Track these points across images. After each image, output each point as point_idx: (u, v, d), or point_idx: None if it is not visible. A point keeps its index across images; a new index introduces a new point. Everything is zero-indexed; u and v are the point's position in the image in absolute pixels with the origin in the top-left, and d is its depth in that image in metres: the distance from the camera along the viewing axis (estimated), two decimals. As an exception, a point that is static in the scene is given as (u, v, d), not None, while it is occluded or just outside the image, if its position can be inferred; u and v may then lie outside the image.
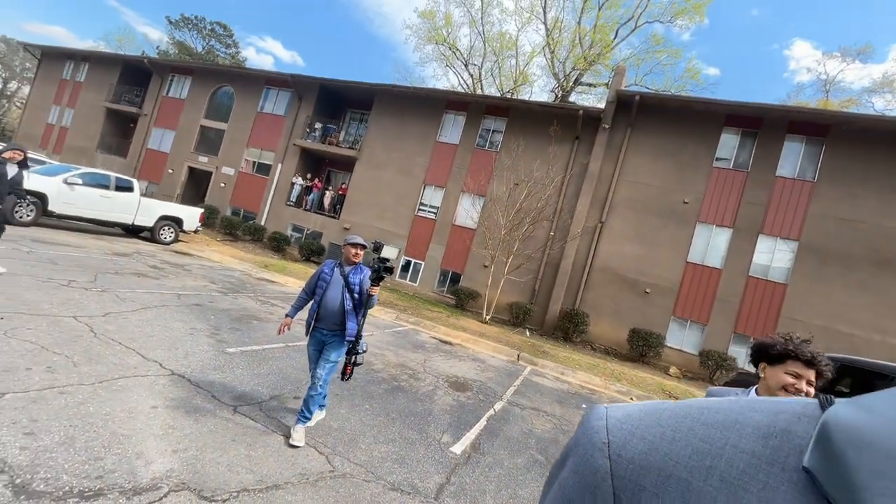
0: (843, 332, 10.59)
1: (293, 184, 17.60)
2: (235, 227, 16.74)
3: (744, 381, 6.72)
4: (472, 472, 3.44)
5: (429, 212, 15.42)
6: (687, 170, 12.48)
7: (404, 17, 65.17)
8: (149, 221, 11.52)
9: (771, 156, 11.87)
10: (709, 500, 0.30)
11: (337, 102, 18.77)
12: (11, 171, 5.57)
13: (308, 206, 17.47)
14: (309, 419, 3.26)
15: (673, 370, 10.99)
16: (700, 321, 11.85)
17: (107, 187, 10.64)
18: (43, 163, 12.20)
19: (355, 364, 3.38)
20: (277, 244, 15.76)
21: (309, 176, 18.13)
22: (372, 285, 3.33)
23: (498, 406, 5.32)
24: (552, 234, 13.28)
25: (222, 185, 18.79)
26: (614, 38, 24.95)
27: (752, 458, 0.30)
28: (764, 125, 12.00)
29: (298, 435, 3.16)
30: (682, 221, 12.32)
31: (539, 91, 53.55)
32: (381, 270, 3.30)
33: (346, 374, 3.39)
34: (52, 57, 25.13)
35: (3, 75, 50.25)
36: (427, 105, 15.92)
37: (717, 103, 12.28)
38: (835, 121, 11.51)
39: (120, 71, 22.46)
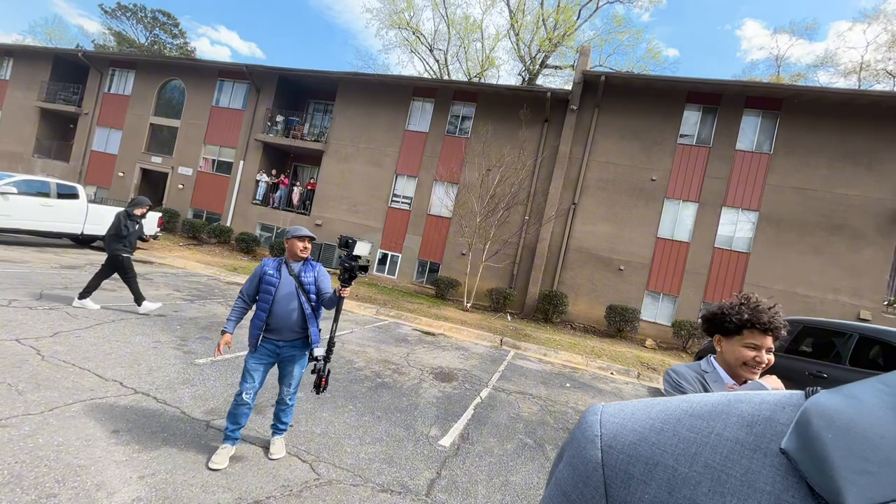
0: (801, 294, 11.24)
1: (258, 181, 16.84)
2: (199, 229, 15.90)
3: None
4: (462, 463, 3.37)
5: (402, 202, 15.15)
6: (653, 148, 12.75)
7: (364, 0, 63.04)
8: (101, 230, 10.72)
9: (730, 131, 12.28)
10: (693, 485, 0.31)
11: (298, 94, 17.99)
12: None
13: (276, 204, 16.80)
14: (285, 429, 3.05)
15: (649, 342, 11.37)
16: (672, 293, 12.27)
17: (47, 195, 9.79)
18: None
19: (328, 374, 2.92)
20: (246, 245, 15.11)
21: (274, 172, 17.39)
22: (342, 286, 2.86)
23: (484, 393, 5.28)
24: (527, 217, 13.33)
25: (180, 186, 17.75)
26: (577, 18, 25.06)
27: (735, 445, 0.31)
28: (723, 101, 12.37)
29: (277, 447, 2.97)
30: (650, 199, 12.62)
31: (506, 75, 53.49)
32: (355, 269, 2.90)
33: (320, 388, 2.89)
34: (-27, 54, 22.74)
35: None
36: (394, 93, 15.49)
37: (678, 80, 12.54)
38: (787, 94, 11.99)
39: (51, 66, 20.56)
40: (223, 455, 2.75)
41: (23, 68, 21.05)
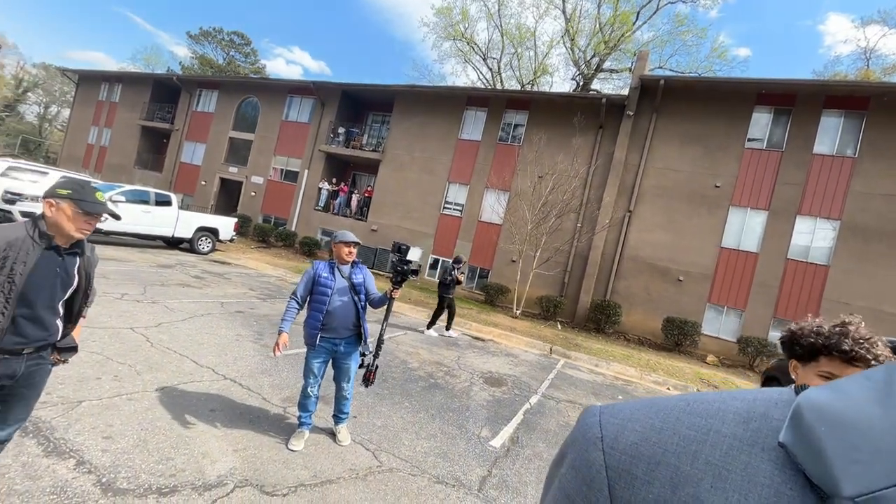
0: (889, 312, 9.99)
1: (320, 189, 18.06)
2: (268, 233, 17.36)
3: (784, 367, 6.48)
4: (512, 464, 3.51)
5: (454, 209, 15.50)
6: (717, 153, 12.00)
7: (421, 14, 65.68)
8: (188, 233, 12.13)
9: (807, 133, 11.25)
10: (695, 482, 0.31)
11: (359, 106, 19.09)
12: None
13: (336, 210, 17.90)
14: (346, 418, 3.36)
15: (710, 358, 10.67)
16: (737, 307, 11.42)
17: (147, 203, 11.27)
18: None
19: (376, 368, 3.21)
20: (308, 248, 16.25)
21: (335, 180, 18.56)
22: (394, 287, 3.06)
23: (533, 400, 5.36)
24: (579, 225, 13.09)
25: (253, 193, 19.50)
26: (635, 20, 24.16)
27: (734, 441, 0.33)
28: (798, 101, 11.37)
29: (343, 434, 3.31)
30: (713, 206, 11.88)
31: (560, 81, 52.58)
32: (407, 272, 3.11)
33: (368, 381, 3.17)
34: (88, 80, 26.67)
35: (44, 100, 53.69)
36: (447, 103, 15.96)
37: (747, 82, 11.74)
38: (875, 92, 10.78)
39: (151, 89, 23.61)
40: (300, 438, 3.13)
41: (129, 92, 24.34)
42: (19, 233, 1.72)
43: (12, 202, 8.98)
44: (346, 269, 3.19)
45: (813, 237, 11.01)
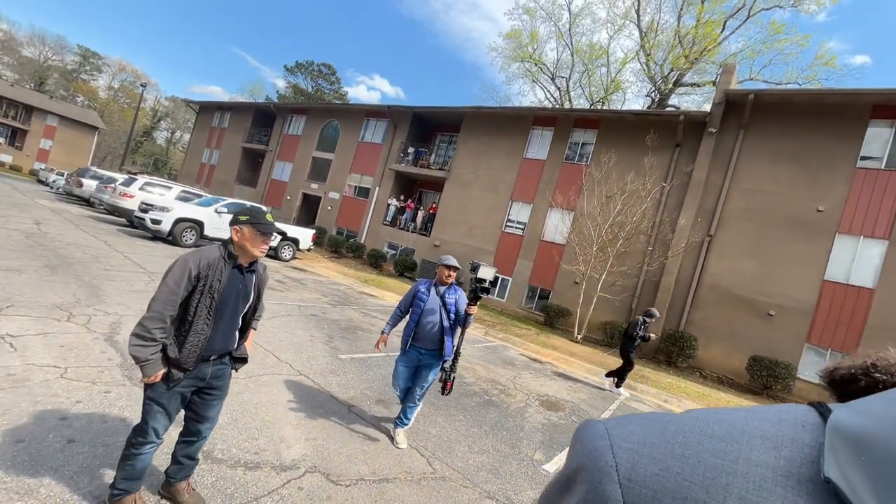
0: None
1: (389, 205, 19.14)
2: (340, 245, 18.72)
3: None
4: (565, 492, 3.44)
5: (516, 227, 15.49)
6: (820, 173, 10.67)
7: (489, 40, 68.20)
8: (273, 242, 13.54)
9: (944, 150, 9.58)
10: None
11: (428, 127, 20.06)
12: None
13: (402, 225, 18.80)
14: (408, 424, 3.58)
15: (809, 409, 9.28)
16: (845, 350, 9.86)
17: (244, 214, 12.83)
18: (199, 195, 15.19)
19: (451, 380, 3.43)
20: (375, 260, 17.21)
21: (402, 197, 19.56)
22: (469, 304, 3.34)
23: (591, 430, 5.15)
24: (650, 249, 12.33)
25: (329, 208, 21.23)
26: (721, 30, 22.57)
27: (766, 471, 0.29)
28: (931, 113, 9.77)
29: (401, 438, 3.52)
30: (815, 233, 10.51)
31: (633, 98, 50.46)
32: (479, 290, 3.34)
33: (446, 390, 3.43)
34: (205, 109, 31.25)
35: (172, 127, 63.73)
36: (514, 123, 16.18)
37: (860, 93, 10.37)
38: None
39: (252, 116, 27.02)
40: (403, 437, 3.55)
41: (235, 119, 28.08)
42: (215, 254, 2.01)
43: (146, 211, 10.82)
44: (441, 288, 3.54)
45: (950, 274, 9.24)
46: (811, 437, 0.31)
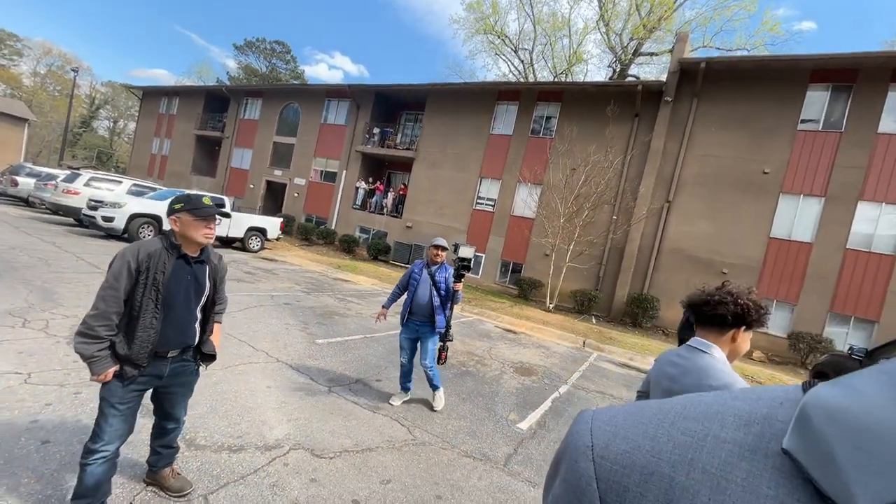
0: None
1: (357, 188, 18.81)
2: (310, 232, 18.34)
3: (836, 363, 6.17)
4: (537, 445, 3.72)
5: (486, 204, 15.66)
6: (765, 137, 11.34)
7: (451, 12, 66.47)
8: (239, 233, 13.16)
9: (870, 111, 10.37)
10: (692, 495, 0.29)
11: (392, 106, 19.63)
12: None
13: (372, 209, 18.59)
14: (439, 387, 4.04)
15: (757, 354, 10.19)
16: (788, 300, 10.81)
17: (205, 206, 12.32)
18: (154, 189, 14.42)
19: (445, 349, 3.92)
20: (347, 246, 17.03)
21: (371, 179, 19.24)
22: (455, 282, 3.78)
23: (563, 389, 5.50)
24: (615, 217, 12.84)
25: (295, 195, 20.63)
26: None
27: (734, 447, 0.30)
28: (861, 77, 10.50)
29: (437, 400, 4.04)
30: (761, 194, 11.26)
31: (595, 69, 50.81)
32: (461, 268, 3.77)
33: (440, 360, 3.89)
34: (150, 95, 29.13)
35: (114, 116, 59.03)
36: (478, 99, 16.09)
37: (800, 59, 10.97)
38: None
39: (204, 101, 25.45)
40: (398, 398, 4.01)
41: (185, 104, 26.37)
42: (156, 245, 1.94)
43: (95, 208, 10.20)
44: (433, 268, 3.91)
45: (877, 225, 10.18)
46: (786, 413, 0.31)
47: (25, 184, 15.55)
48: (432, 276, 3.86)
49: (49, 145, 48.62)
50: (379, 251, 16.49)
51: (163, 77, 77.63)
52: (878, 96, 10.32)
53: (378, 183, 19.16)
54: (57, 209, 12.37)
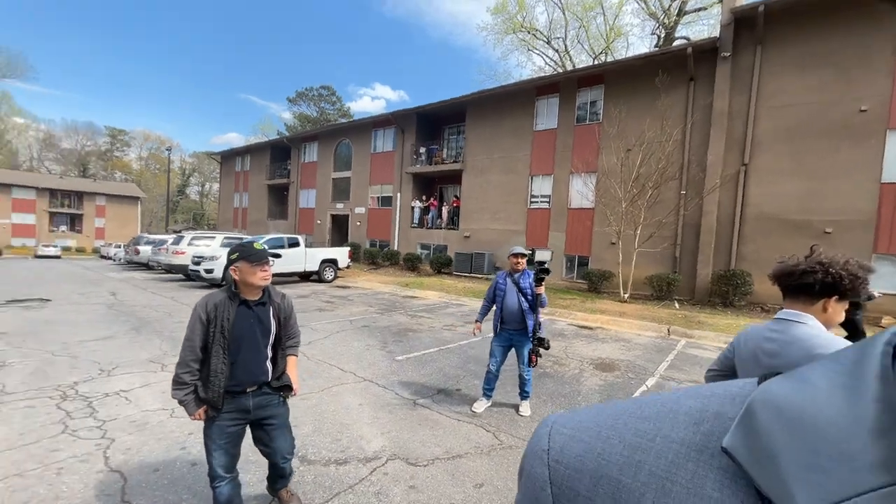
0: None
1: (412, 207, 19.56)
2: (375, 256, 19.40)
3: None
4: (629, 442, 3.60)
5: (541, 202, 15.40)
6: (855, 70, 9.84)
7: (477, 20, 67.49)
8: (314, 266, 14.36)
9: None
10: (637, 498, 0.28)
11: (434, 124, 20.24)
12: None
13: (429, 225, 19.17)
14: (528, 395, 4.12)
15: (886, 320, 8.71)
16: (922, 254, 9.12)
17: (282, 247, 13.69)
18: (240, 238, 16.28)
19: (539, 354, 3.90)
20: (411, 264, 17.70)
21: (424, 197, 19.91)
22: (536, 286, 3.81)
23: (650, 382, 5.23)
24: (683, 192, 11.90)
25: (358, 223, 21.98)
26: (717, -56, 20.95)
27: (681, 447, 0.29)
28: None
29: (524, 408, 4.09)
30: (862, 135, 9.74)
31: (637, 41, 48.00)
32: (539, 272, 3.80)
33: (531, 363, 3.92)
34: (227, 157, 33.10)
35: (201, 180, 67.84)
36: (517, 99, 16.01)
37: (884, -27, 9.42)
38: None
39: (269, 153, 28.35)
40: (481, 405, 4.12)
41: (254, 160, 29.58)
42: (221, 296, 2.15)
43: (198, 263, 11.85)
44: (516, 276, 4.03)
45: None
46: (737, 409, 0.30)
47: (144, 251, 18.50)
48: (517, 284, 3.96)
49: (156, 215, 57.19)
50: (441, 265, 16.91)
51: (234, 139, 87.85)
52: None
53: (431, 199, 19.74)
54: (170, 268, 14.55)
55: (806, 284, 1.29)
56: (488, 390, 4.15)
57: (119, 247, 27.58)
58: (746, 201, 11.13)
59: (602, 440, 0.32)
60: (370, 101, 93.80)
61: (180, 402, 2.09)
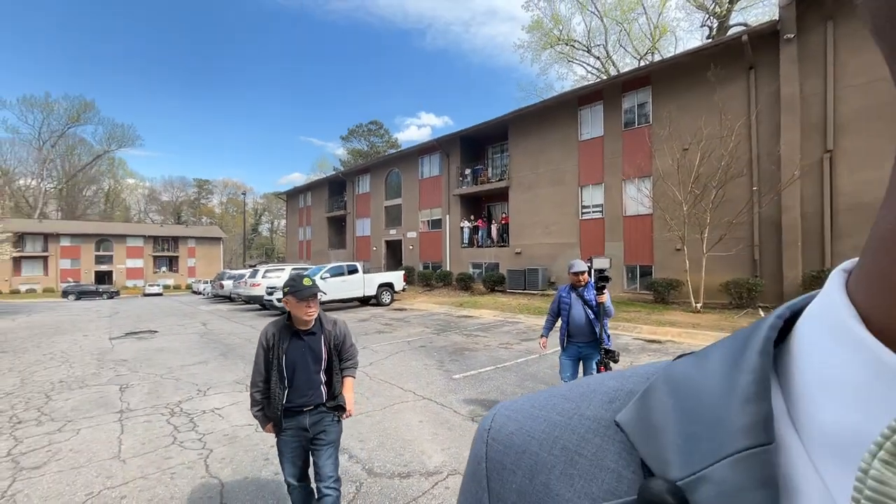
0: None
1: (462, 228, 19.84)
2: (429, 278, 19.80)
3: None
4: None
5: (594, 212, 14.90)
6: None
7: (513, 38, 68.84)
8: (373, 290, 14.99)
9: None
10: (549, 469, 0.30)
11: (477, 145, 20.63)
12: None
13: (480, 244, 19.28)
14: None
15: None
16: None
17: (343, 274, 14.50)
18: (306, 269, 17.52)
19: (608, 367, 3.77)
20: (464, 283, 17.81)
21: (472, 217, 20.14)
22: (598, 294, 3.81)
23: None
24: (755, 188, 10.91)
25: (410, 247, 22.69)
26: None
27: (591, 423, 0.30)
28: None
29: None
30: (976, 104, 8.37)
31: (686, 35, 45.70)
32: (599, 280, 3.81)
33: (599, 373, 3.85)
34: (291, 196, 36.12)
35: (271, 218, 74.38)
36: (559, 111, 15.90)
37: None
38: None
39: (327, 188, 30.50)
40: None
41: (315, 195, 31.97)
42: (280, 325, 2.35)
43: (271, 293, 12.93)
44: (580, 289, 4.02)
45: None
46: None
47: (228, 285, 20.53)
48: (581, 297, 3.95)
49: (235, 252, 63.43)
50: (494, 283, 16.81)
51: (297, 179, 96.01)
52: None
53: (479, 219, 19.91)
54: (249, 299, 15.99)
55: None
56: None
57: (207, 282, 30.85)
58: (837, 191, 9.92)
59: (531, 419, 0.34)
60: (416, 129, 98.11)
61: (254, 416, 2.37)
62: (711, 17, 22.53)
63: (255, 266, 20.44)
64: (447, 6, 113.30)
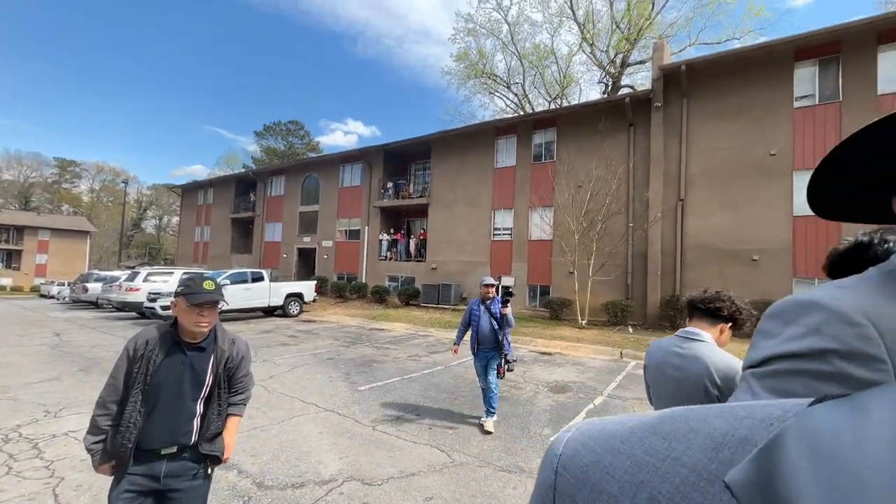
0: None
1: (380, 241, 19.84)
2: (343, 289, 19.30)
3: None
4: (571, 454, 3.93)
5: (504, 234, 16.13)
6: (764, 121, 11.41)
7: (443, 64, 72.42)
8: (279, 301, 14.16)
9: (865, 76, 10.34)
10: None
11: (401, 160, 20.99)
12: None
13: (397, 257, 19.45)
14: (494, 412, 4.50)
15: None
16: (826, 278, 10.32)
17: (246, 281, 13.49)
18: (200, 274, 15.87)
19: (509, 369, 4.46)
20: (379, 296, 17.75)
21: (392, 230, 20.28)
22: (503, 307, 4.42)
23: (598, 401, 5.63)
24: (630, 225, 12.95)
25: (325, 256, 21.92)
26: (652, 7, 23.89)
27: (690, 474, 0.24)
28: (844, 47, 10.58)
29: (489, 424, 4.41)
30: (774, 175, 11.16)
31: (587, 87, 52.17)
32: (505, 295, 4.50)
33: (500, 374, 4.42)
34: (189, 190, 32.37)
35: (159, 213, 65.26)
36: (479, 138, 17.07)
37: (778, 43, 11.21)
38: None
39: (234, 187, 28.06)
40: (489, 423, 4.45)
41: (218, 193, 29.12)
42: (160, 331, 1.75)
43: (154, 300, 11.46)
44: (487, 302, 4.62)
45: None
46: (767, 437, 0.24)
47: (94, 289, 17.53)
48: (489, 309, 4.55)
49: (107, 250, 54.03)
50: (409, 297, 17.07)
51: (199, 172, 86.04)
52: (869, 61, 10.32)
53: (398, 232, 20.15)
54: (123, 306, 13.88)
55: (716, 308, 1.65)
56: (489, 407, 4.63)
57: (62, 284, 25.82)
58: (686, 232, 12.26)
59: (611, 453, 0.30)
60: (343, 135, 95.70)
61: (87, 450, 1.67)
62: (606, 76, 26.33)
63: (133, 268, 17.83)
64: (380, 18, 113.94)
